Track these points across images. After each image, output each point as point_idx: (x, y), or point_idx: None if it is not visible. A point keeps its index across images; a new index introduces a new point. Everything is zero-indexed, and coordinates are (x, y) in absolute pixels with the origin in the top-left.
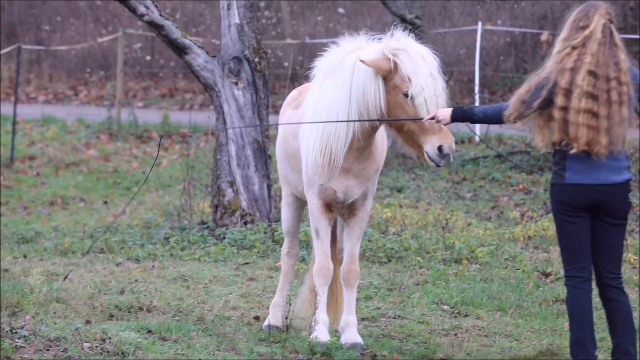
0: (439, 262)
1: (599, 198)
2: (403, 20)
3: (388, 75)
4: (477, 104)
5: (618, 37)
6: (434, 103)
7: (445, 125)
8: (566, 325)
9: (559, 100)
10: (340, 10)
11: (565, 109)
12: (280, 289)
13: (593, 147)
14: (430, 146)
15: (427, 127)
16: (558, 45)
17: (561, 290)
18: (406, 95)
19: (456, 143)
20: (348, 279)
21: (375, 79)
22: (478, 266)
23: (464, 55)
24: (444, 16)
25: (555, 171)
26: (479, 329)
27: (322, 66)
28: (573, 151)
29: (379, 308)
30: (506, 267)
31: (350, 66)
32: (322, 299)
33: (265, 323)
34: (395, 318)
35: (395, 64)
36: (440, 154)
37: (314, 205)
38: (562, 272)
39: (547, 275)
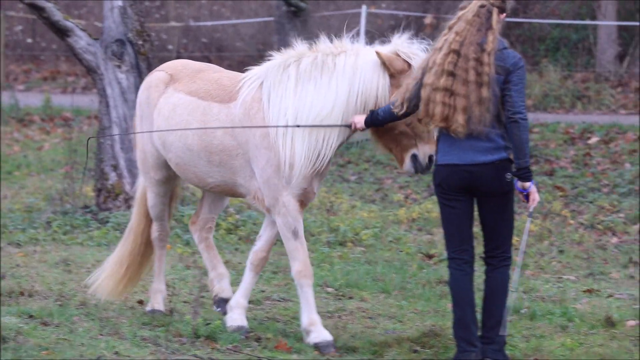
0: (324, 245)
1: (469, 178)
2: (288, 3)
3: (398, 74)
4: None
5: (497, 20)
6: None
7: (359, 130)
8: (449, 306)
9: (425, 78)
10: None
11: (428, 85)
12: (158, 274)
13: (450, 125)
14: (421, 153)
15: (421, 133)
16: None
17: (444, 271)
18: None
19: None
20: (259, 265)
21: (384, 76)
22: (362, 248)
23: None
24: (329, 0)
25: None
26: (363, 311)
27: (288, 68)
28: (430, 127)
29: (263, 291)
30: (390, 250)
31: (347, 66)
32: (312, 298)
33: (148, 308)
34: (279, 301)
35: (410, 65)
36: (428, 164)
37: (292, 206)
38: (445, 254)
39: (430, 257)
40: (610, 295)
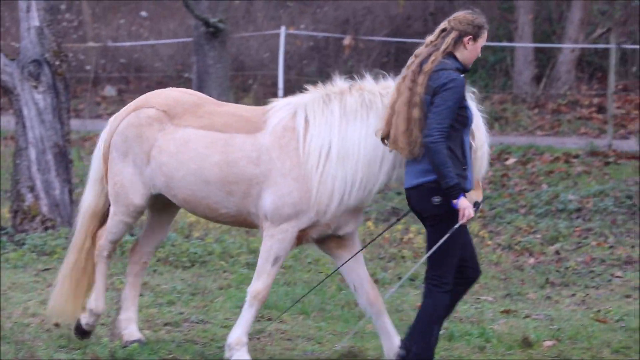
0: (243, 266)
1: (409, 202)
2: (207, 24)
3: None
4: None
5: (447, 42)
6: (487, 159)
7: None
8: (368, 327)
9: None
10: (143, 13)
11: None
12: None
13: (396, 146)
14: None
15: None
16: None
17: None
18: None
19: None
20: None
21: None
22: (282, 270)
23: (268, 59)
24: (247, 20)
25: None
26: (282, 333)
27: (330, 103)
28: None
29: (182, 313)
30: (309, 271)
31: None
32: (252, 320)
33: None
34: (198, 323)
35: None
36: (475, 210)
37: (291, 237)
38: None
39: None
40: (527, 316)
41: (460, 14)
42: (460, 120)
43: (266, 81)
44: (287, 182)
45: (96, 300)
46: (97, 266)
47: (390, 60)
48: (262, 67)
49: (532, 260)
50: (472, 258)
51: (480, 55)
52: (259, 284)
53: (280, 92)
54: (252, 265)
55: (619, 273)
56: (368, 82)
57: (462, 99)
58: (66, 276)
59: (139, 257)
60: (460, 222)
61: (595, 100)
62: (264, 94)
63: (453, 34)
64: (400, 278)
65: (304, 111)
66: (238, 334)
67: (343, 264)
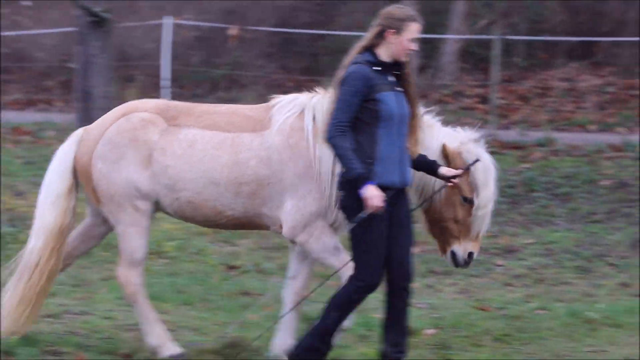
0: None
1: None
2: (91, 13)
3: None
4: (166, 98)
5: (367, 37)
6: (489, 219)
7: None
8: (250, 317)
9: None
10: (26, 2)
11: None
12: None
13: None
14: (462, 249)
15: (467, 232)
16: None
17: (247, 283)
18: (466, 200)
19: None
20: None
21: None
22: (166, 260)
23: (153, 50)
24: (131, 10)
25: None
26: (166, 323)
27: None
28: None
29: (63, 305)
30: (193, 261)
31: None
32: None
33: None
34: (80, 314)
35: (469, 168)
36: (467, 260)
37: (326, 230)
38: (249, 265)
39: (233, 268)
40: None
41: (386, 9)
42: (371, 114)
43: (151, 72)
44: (305, 182)
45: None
46: (140, 302)
47: (276, 51)
48: (146, 57)
49: (415, 250)
50: (400, 263)
51: (412, 48)
52: (349, 269)
53: (165, 82)
54: None
55: (500, 262)
56: None
57: (366, 91)
58: (24, 297)
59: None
60: (365, 212)
61: (479, 91)
62: (149, 85)
63: (375, 29)
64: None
65: (311, 111)
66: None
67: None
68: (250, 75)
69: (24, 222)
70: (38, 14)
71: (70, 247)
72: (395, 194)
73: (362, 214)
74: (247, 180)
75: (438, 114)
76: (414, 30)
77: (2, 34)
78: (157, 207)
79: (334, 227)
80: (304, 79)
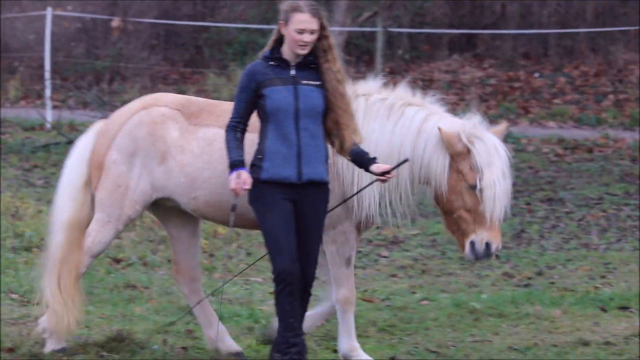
0: (9, 251)
1: None
2: None
3: (456, 157)
4: (48, 90)
5: (275, 30)
6: (503, 201)
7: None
8: (137, 310)
9: None
10: None
11: None
12: None
13: None
14: (479, 239)
15: (481, 220)
16: None
17: (132, 275)
18: (472, 187)
19: (27, 130)
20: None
21: (445, 155)
22: None
23: (35, 41)
24: (12, 1)
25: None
26: None
27: (357, 99)
28: None
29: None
30: None
31: (416, 123)
32: (352, 324)
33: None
34: None
35: (469, 150)
36: (486, 251)
37: (352, 235)
38: (134, 258)
39: (118, 261)
40: None
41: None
42: (261, 109)
43: (33, 63)
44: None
45: None
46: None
47: (160, 42)
48: (28, 49)
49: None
50: (301, 266)
51: (301, 39)
52: (343, 290)
53: (47, 74)
54: (18, 250)
55: (385, 253)
56: (401, 89)
57: (254, 87)
58: (57, 294)
59: (189, 275)
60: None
61: None
62: (31, 77)
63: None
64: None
65: None
66: (347, 343)
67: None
68: (134, 67)
69: None
70: None
71: (186, 267)
72: (299, 190)
73: (233, 201)
74: None
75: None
76: (299, 20)
77: None
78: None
79: (361, 228)
80: (187, 70)
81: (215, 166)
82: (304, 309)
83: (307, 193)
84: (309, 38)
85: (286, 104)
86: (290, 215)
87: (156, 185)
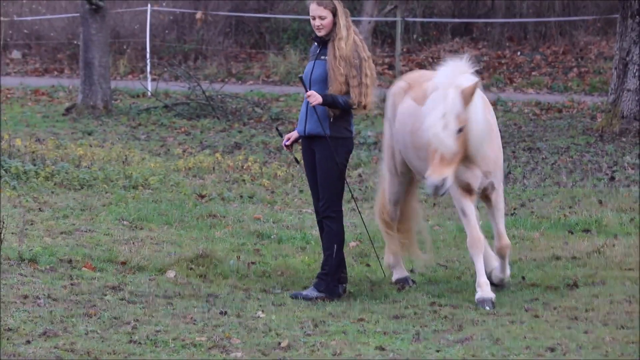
0: (121, 188)
1: None
2: (90, 2)
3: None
4: (148, 67)
5: None
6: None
7: (314, 104)
8: (217, 234)
9: None
10: None
11: None
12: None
13: None
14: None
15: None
16: None
17: (213, 207)
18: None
19: (133, 97)
20: (502, 252)
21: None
22: (151, 191)
23: (138, 30)
24: (122, 1)
25: (345, 127)
26: (151, 239)
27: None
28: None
29: (73, 224)
30: (172, 191)
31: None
32: (480, 265)
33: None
34: (86, 232)
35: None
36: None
37: (455, 191)
38: (214, 194)
39: (202, 196)
40: None
41: None
42: None
43: (137, 47)
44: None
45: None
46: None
47: (232, 30)
48: (133, 35)
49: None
50: (316, 200)
51: (314, 24)
52: (467, 237)
53: (148, 54)
54: (127, 188)
55: None
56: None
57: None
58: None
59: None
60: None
61: (387, 60)
62: (135, 57)
63: None
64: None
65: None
66: (477, 280)
67: None
68: (212, 49)
69: (43, 161)
70: (51, 3)
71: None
72: (309, 141)
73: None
74: (418, 146)
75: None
76: (310, 9)
77: (23, 18)
78: None
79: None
80: (253, 51)
81: (403, 131)
82: (325, 233)
83: (314, 144)
84: (318, 22)
85: (306, 75)
86: (310, 162)
87: (387, 143)
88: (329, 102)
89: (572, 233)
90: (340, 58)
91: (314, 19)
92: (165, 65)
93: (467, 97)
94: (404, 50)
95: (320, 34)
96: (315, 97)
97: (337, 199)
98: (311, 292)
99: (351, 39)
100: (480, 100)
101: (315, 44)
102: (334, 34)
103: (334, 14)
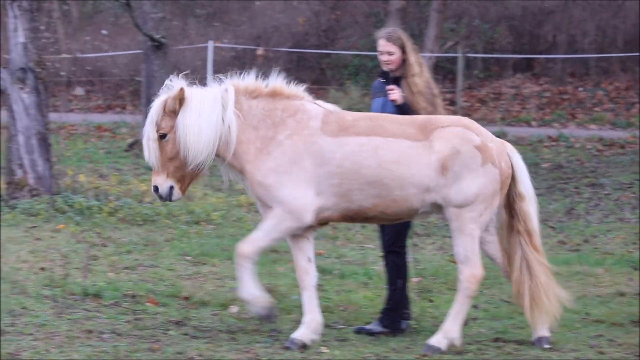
0: (183, 224)
1: None
2: (152, 39)
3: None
4: None
5: None
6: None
7: (394, 98)
8: (279, 269)
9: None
10: (104, 31)
11: None
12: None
13: None
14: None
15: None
16: None
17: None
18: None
19: None
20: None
21: None
22: (213, 226)
23: (200, 66)
24: (183, 35)
25: None
26: (214, 274)
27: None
28: None
29: (137, 259)
30: (234, 227)
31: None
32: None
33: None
34: (149, 267)
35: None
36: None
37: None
38: None
39: None
40: None
41: None
42: None
43: (199, 83)
44: None
45: None
46: None
47: (293, 67)
48: (195, 72)
49: None
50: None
51: (380, 59)
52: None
53: None
54: (190, 223)
55: None
56: None
57: (373, 97)
58: None
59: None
60: None
61: (448, 96)
62: None
63: None
64: None
65: None
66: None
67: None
68: None
69: (107, 197)
70: (113, 40)
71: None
72: None
73: None
74: None
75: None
76: (378, 45)
77: (86, 55)
78: None
79: None
80: (314, 87)
81: None
82: (389, 268)
83: None
84: (386, 58)
85: (376, 111)
86: None
87: None
88: (406, 108)
89: (636, 269)
90: (418, 93)
91: (382, 54)
92: None
93: (169, 105)
94: (466, 86)
95: (386, 68)
96: (397, 91)
97: (403, 235)
98: (375, 326)
99: (424, 75)
100: (198, 107)
101: (380, 80)
102: (406, 71)
103: (403, 50)
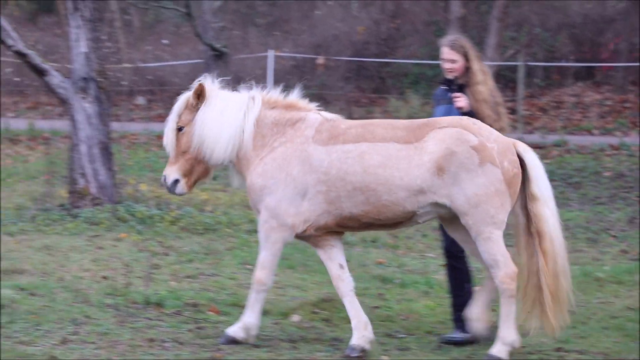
0: (244, 232)
1: None
2: (213, 48)
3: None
4: None
5: None
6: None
7: (460, 105)
8: None
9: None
10: (165, 41)
11: None
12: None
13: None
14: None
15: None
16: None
17: None
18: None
19: None
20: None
21: None
22: None
23: (260, 75)
24: (244, 45)
25: None
26: (275, 283)
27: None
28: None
29: (198, 268)
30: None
31: None
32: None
33: None
34: (211, 276)
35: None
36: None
37: None
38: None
39: None
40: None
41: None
42: None
43: None
44: None
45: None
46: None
47: (353, 74)
48: (255, 81)
49: None
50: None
51: (443, 66)
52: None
53: None
54: (250, 232)
55: None
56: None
57: (434, 105)
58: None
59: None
60: None
61: (509, 105)
62: None
63: None
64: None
65: None
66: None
67: None
68: (334, 94)
69: (168, 206)
70: (174, 50)
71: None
72: None
73: None
74: None
75: None
76: (442, 52)
77: (148, 65)
78: None
79: None
80: (374, 96)
81: None
82: (453, 273)
83: None
84: (449, 65)
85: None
86: None
87: None
88: (471, 116)
89: None
90: (482, 101)
91: (445, 62)
92: None
93: (190, 99)
94: (526, 94)
95: (449, 76)
96: (463, 98)
97: None
98: (458, 335)
99: (488, 83)
100: (220, 106)
101: (442, 87)
102: (469, 79)
103: (466, 58)
